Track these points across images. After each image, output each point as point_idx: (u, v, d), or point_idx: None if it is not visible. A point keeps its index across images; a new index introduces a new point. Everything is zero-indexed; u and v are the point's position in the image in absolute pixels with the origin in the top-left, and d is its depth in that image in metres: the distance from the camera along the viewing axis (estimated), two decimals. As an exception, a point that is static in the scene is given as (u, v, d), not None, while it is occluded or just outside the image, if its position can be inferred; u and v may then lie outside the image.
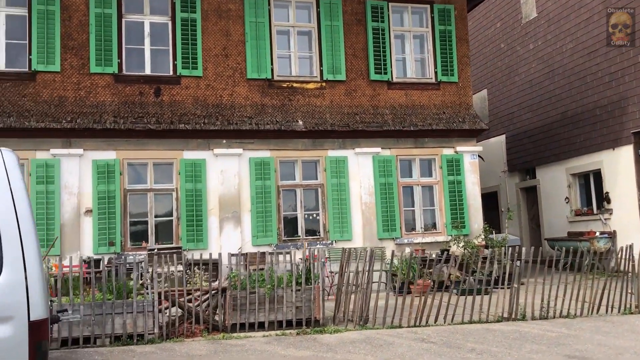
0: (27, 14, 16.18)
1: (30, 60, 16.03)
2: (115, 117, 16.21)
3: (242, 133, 16.91)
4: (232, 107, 17.21)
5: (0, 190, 4.35)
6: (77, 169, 15.90)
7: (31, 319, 4.21)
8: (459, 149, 18.71)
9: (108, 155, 16.10)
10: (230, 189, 16.74)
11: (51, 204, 15.75)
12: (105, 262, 12.92)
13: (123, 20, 16.83)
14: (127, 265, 13.34)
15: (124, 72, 16.56)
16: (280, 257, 13.56)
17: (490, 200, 25.95)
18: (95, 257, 14.85)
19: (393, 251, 14.05)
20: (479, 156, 19.01)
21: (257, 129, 16.96)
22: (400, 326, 11.45)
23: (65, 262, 14.46)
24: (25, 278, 4.24)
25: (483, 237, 17.46)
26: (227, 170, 16.79)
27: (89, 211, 15.95)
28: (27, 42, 16.08)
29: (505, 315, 12.11)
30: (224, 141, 16.85)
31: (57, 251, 15.49)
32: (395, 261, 16.50)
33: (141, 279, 10.81)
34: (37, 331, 4.20)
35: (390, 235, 17.97)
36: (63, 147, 15.90)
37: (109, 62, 16.39)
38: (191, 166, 16.58)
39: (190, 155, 16.58)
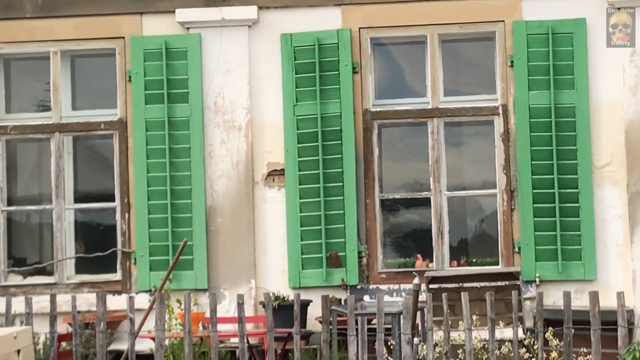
0: None
1: None
2: None
3: None
4: None
5: None
6: (244, 61, 8.49)
7: None
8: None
9: (325, 19, 8.79)
10: None
11: (183, 154, 8.29)
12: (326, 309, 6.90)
13: None
14: (368, 323, 7.24)
15: None
16: None
17: None
18: (294, 294, 7.41)
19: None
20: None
21: None
22: None
23: (208, 307, 8.34)
24: None
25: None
26: None
27: (274, 174, 8.69)
28: None
29: None
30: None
31: (200, 280, 8.26)
32: None
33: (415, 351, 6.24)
34: None
35: None
36: (206, 3, 8.83)
37: None
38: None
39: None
